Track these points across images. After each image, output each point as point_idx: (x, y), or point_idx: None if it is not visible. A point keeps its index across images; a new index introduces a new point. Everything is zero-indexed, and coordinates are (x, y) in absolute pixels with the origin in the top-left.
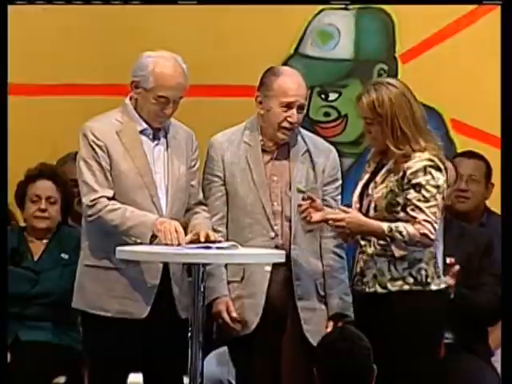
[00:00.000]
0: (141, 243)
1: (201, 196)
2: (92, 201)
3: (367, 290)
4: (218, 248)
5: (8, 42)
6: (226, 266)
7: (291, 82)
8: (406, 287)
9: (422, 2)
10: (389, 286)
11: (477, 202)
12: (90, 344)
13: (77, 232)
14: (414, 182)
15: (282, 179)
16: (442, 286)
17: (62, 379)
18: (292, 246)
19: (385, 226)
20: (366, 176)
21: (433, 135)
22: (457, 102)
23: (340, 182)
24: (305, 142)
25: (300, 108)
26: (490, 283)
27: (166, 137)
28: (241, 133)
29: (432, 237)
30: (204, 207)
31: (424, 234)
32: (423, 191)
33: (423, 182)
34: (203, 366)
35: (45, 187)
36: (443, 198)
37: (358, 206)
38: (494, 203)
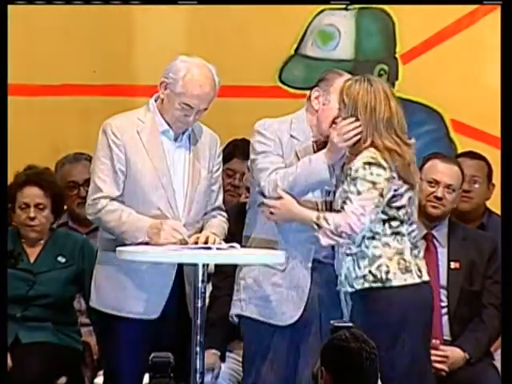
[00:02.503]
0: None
1: (220, 202)
2: (93, 200)
3: (342, 289)
4: (217, 248)
5: (8, 41)
6: None
7: None
8: (367, 285)
9: (422, 2)
10: (354, 284)
11: (479, 202)
12: (104, 343)
13: (74, 235)
14: (353, 176)
15: None
16: (410, 280)
17: (64, 380)
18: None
19: (314, 214)
20: None
21: (395, 140)
22: (457, 102)
23: None
24: None
25: None
26: (495, 291)
27: (189, 139)
28: (288, 125)
29: (355, 228)
30: (222, 212)
31: (348, 224)
32: (358, 185)
33: (360, 177)
34: (204, 366)
35: (32, 194)
36: (381, 195)
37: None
38: (494, 203)
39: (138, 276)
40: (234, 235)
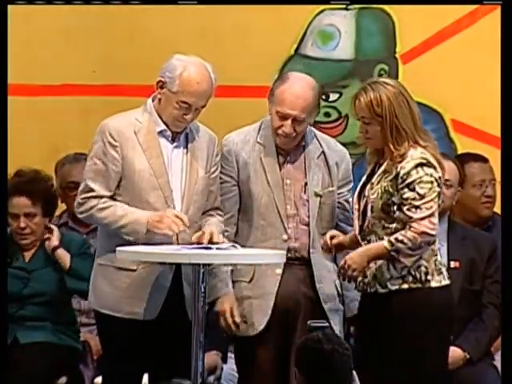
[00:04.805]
0: (135, 243)
1: (218, 202)
2: (83, 199)
3: (368, 290)
4: (217, 248)
5: (8, 41)
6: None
7: (290, 94)
8: (405, 286)
9: (423, 2)
10: (389, 285)
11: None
12: (102, 344)
13: (71, 234)
14: (408, 181)
15: (296, 182)
16: (444, 282)
17: (64, 380)
18: (311, 250)
19: (385, 242)
20: (364, 177)
21: (429, 134)
22: (457, 102)
23: (352, 183)
24: (320, 144)
25: (295, 120)
26: (495, 290)
27: (186, 139)
28: (255, 132)
29: (432, 232)
30: (220, 212)
31: (423, 232)
32: (418, 189)
33: (417, 180)
34: (204, 366)
35: (21, 205)
36: (439, 194)
37: (356, 207)
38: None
39: (136, 277)
40: None
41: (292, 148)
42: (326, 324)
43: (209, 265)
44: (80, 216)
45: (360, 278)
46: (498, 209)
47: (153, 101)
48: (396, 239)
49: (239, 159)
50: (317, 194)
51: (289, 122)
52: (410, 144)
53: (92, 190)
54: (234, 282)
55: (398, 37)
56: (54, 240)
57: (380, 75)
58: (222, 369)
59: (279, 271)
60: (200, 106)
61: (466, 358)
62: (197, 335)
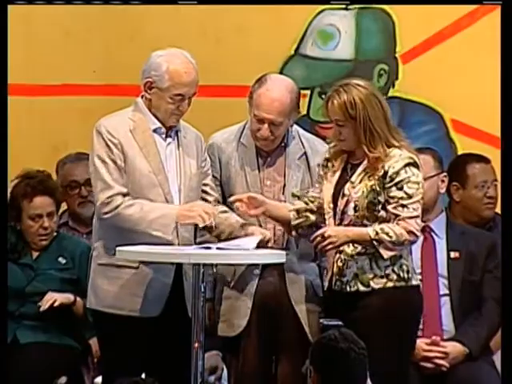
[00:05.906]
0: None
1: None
2: (108, 198)
3: (348, 289)
4: (217, 248)
5: (8, 41)
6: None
7: (267, 97)
8: (390, 284)
9: (422, 1)
10: (372, 283)
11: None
12: (104, 343)
13: (77, 239)
14: (396, 180)
15: (276, 183)
16: (418, 280)
17: (64, 380)
18: (286, 251)
19: (369, 230)
20: (336, 175)
21: (401, 132)
22: (457, 102)
23: None
24: (303, 144)
25: (272, 124)
26: (494, 284)
27: (177, 136)
28: (239, 132)
29: (418, 233)
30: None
31: (411, 232)
32: (406, 188)
33: (405, 180)
34: (204, 366)
35: (44, 204)
36: (423, 196)
37: (331, 205)
38: None
39: (139, 274)
40: None
41: (273, 149)
42: (340, 322)
43: (209, 265)
44: (105, 216)
45: (336, 277)
46: (497, 209)
47: (142, 98)
48: (382, 229)
49: (221, 159)
50: (294, 195)
51: (266, 125)
52: (384, 148)
53: (112, 188)
54: (217, 282)
55: (398, 37)
56: (70, 298)
57: (380, 75)
58: (222, 369)
59: (257, 272)
60: (192, 94)
61: (466, 353)
62: (197, 335)
